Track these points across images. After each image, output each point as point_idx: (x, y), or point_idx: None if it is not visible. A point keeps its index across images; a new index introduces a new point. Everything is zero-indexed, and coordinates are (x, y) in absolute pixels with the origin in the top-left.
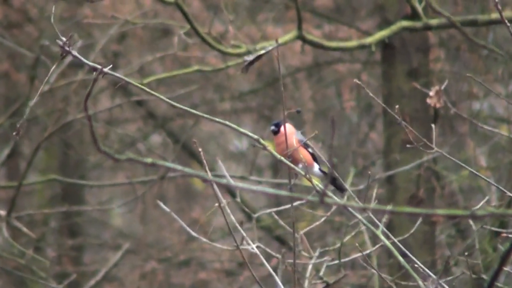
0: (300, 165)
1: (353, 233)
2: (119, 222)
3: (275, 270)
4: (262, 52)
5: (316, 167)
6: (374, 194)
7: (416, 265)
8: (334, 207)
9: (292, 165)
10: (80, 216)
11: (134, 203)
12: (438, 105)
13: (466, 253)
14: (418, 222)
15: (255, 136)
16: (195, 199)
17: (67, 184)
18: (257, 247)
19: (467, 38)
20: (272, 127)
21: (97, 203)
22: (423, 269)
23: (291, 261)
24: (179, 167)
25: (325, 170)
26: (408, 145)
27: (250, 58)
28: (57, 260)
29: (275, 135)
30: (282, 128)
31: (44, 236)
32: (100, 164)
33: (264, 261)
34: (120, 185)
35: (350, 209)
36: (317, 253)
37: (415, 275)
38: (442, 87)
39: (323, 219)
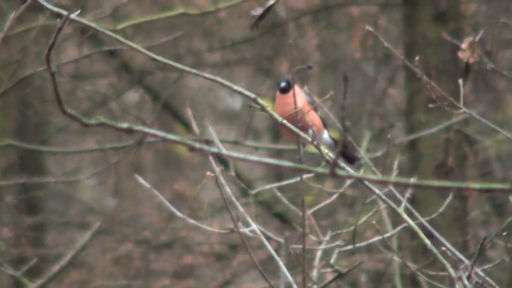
0: (310, 131)
1: (370, 214)
2: (87, 196)
3: (276, 254)
4: (272, 2)
5: (325, 133)
6: (395, 164)
7: (444, 248)
8: (348, 182)
9: (300, 132)
10: (41, 189)
11: (106, 174)
12: (471, 60)
13: (504, 233)
14: (449, 199)
15: (252, 95)
16: (178, 168)
17: (26, 150)
18: (253, 229)
19: None
20: (283, 84)
21: (61, 174)
22: (454, 253)
23: (296, 246)
24: (160, 133)
25: (335, 136)
26: (430, 105)
27: (257, 11)
28: (14, 241)
29: (282, 93)
30: (297, 90)
31: None
32: (65, 127)
33: (268, 245)
34: (89, 152)
35: (366, 183)
36: (327, 237)
37: (445, 261)
38: (477, 38)
39: (334, 196)
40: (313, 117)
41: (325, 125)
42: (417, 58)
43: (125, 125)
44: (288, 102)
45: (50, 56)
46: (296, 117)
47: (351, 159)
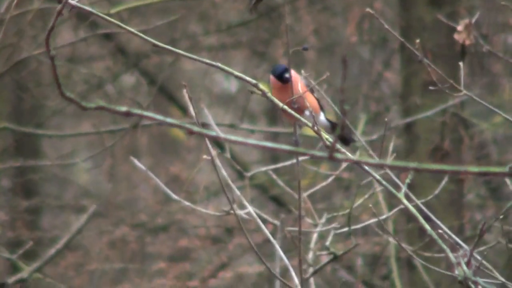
0: (307, 113)
1: (366, 196)
2: (83, 180)
3: (272, 237)
4: None
5: (322, 115)
6: (390, 147)
7: (441, 231)
8: (344, 165)
9: (297, 115)
10: (37, 173)
11: (101, 157)
12: (467, 42)
13: (500, 217)
14: (444, 181)
15: (253, 81)
16: (174, 151)
17: (21, 133)
18: (249, 212)
19: None
20: (287, 75)
21: (57, 157)
22: (451, 237)
23: (291, 228)
24: (159, 116)
25: (331, 118)
26: (431, 87)
27: None
28: (10, 224)
29: (283, 83)
30: (296, 79)
31: None
32: (60, 110)
33: (264, 228)
34: (85, 135)
35: (364, 166)
36: (323, 220)
37: (444, 246)
38: (473, 20)
39: (330, 178)
40: (310, 99)
41: (322, 107)
42: (417, 40)
43: (123, 108)
44: (287, 88)
45: (49, 40)
46: (293, 100)
47: (346, 140)
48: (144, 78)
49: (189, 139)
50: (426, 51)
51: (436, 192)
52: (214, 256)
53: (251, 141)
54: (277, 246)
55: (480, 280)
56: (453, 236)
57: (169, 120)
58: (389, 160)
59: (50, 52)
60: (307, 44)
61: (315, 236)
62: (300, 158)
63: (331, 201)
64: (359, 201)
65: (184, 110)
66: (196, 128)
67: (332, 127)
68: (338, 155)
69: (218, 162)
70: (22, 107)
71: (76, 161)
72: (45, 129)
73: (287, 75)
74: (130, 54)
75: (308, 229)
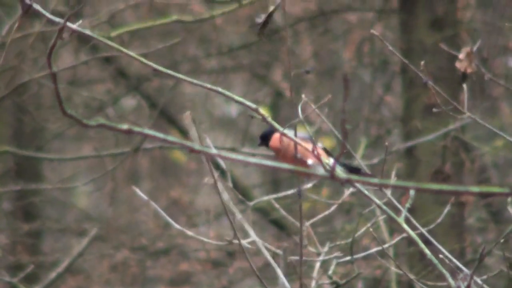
0: (309, 161)
1: (369, 225)
2: (84, 203)
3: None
4: (272, 8)
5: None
6: (393, 171)
7: (441, 256)
8: (347, 192)
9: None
10: (37, 196)
11: (102, 180)
12: (469, 70)
13: (500, 241)
14: (447, 208)
15: (253, 105)
16: (175, 175)
17: (22, 157)
18: (253, 241)
19: None
20: (261, 139)
21: (58, 181)
22: (452, 262)
23: (294, 257)
24: (160, 134)
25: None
26: (434, 109)
27: (261, 18)
28: (11, 248)
29: (267, 146)
30: (275, 135)
31: None
32: (61, 133)
33: (268, 256)
34: (86, 159)
35: (365, 191)
36: (326, 249)
37: (444, 271)
38: (474, 48)
39: (333, 207)
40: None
41: (330, 154)
42: (422, 62)
43: (125, 126)
44: (282, 146)
45: (51, 58)
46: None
47: (358, 171)
48: (145, 101)
49: (189, 162)
50: (428, 74)
51: (439, 220)
52: (215, 280)
53: (253, 160)
54: (282, 276)
55: None
56: (454, 260)
57: (170, 138)
58: (391, 180)
59: (52, 69)
60: (310, 67)
61: (317, 265)
62: (302, 186)
63: (332, 224)
64: (362, 230)
65: (184, 133)
66: (197, 147)
67: (350, 170)
68: (339, 175)
69: (220, 185)
70: (23, 130)
71: (77, 185)
72: (46, 153)
73: (261, 139)
74: (131, 77)
75: (311, 258)
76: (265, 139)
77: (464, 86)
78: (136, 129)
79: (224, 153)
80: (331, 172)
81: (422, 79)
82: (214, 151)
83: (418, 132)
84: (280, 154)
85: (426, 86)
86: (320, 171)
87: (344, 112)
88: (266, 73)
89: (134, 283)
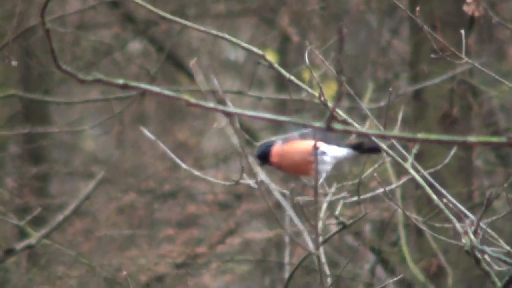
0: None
1: (376, 166)
2: (91, 146)
3: (279, 205)
4: None
5: (334, 148)
6: (399, 116)
7: (446, 200)
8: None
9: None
10: (45, 139)
11: (109, 123)
12: (476, 14)
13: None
14: (454, 150)
15: (260, 52)
16: (182, 118)
17: (30, 100)
18: (260, 181)
19: None
20: (261, 157)
21: (65, 124)
22: (457, 206)
23: (301, 197)
24: (156, 88)
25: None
26: (433, 55)
27: None
28: (18, 191)
29: (269, 164)
30: (273, 150)
31: (2, 163)
32: (68, 77)
33: (277, 194)
34: (93, 102)
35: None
36: (333, 189)
37: (451, 216)
38: None
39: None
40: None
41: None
42: (418, 8)
43: (120, 81)
44: (289, 154)
45: (44, 13)
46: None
47: (374, 150)
48: (152, 45)
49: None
50: (435, 19)
51: (445, 162)
52: (222, 222)
53: (251, 112)
54: (290, 211)
55: (487, 248)
56: (462, 208)
57: (166, 92)
58: (395, 129)
59: (46, 25)
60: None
61: (324, 206)
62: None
63: (339, 168)
64: (368, 171)
65: (191, 77)
66: (193, 100)
67: (356, 147)
68: (338, 126)
69: (227, 129)
70: (30, 74)
71: (84, 128)
72: (54, 96)
73: (260, 160)
74: (138, 21)
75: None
76: (264, 158)
77: (463, 32)
78: (132, 83)
79: (223, 107)
80: (328, 123)
81: (420, 24)
82: (210, 104)
83: (425, 75)
84: (284, 166)
85: (423, 31)
86: (327, 155)
87: (339, 63)
88: (274, 18)
89: (141, 226)
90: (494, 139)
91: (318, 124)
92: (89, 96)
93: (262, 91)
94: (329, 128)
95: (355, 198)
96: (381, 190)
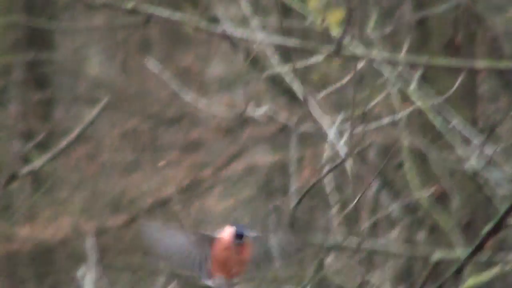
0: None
1: (382, 95)
2: (96, 72)
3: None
4: None
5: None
6: (405, 43)
7: (453, 126)
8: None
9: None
10: (49, 65)
11: (114, 49)
12: None
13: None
14: (460, 78)
15: None
16: (185, 44)
17: (34, 26)
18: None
19: None
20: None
21: (70, 49)
22: (463, 132)
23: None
24: (166, 12)
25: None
26: None
27: None
28: (22, 116)
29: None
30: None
31: (6, 88)
32: (73, 3)
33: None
34: (97, 29)
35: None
36: (340, 118)
37: (456, 142)
38: None
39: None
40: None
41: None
42: None
43: (129, 5)
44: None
45: None
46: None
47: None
48: None
49: (199, 32)
50: None
51: (451, 91)
52: (226, 147)
53: (259, 36)
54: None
55: (492, 169)
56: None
57: (176, 15)
58: (401, 55)
59: None
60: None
61: (331, 134)
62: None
63: (343, 94)
64: (374, 102)
65: (195, 3)
66: (202, 24)
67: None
68: (346, 52)
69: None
70: (34, 0)
71: (89, 54)
72: (58, 22)
73: (242, 239)
74: None
75: (323, 127)
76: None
77: None
78: (141, 7)
79: (230, 31)
80: (337, 49)
81: None
82: (216, 28)
83: (430, 2)
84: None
85: None
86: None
87: None
88: None
89: (145, 151)
90: (502, 62)
91: (326, 48)
92: (94, 23)
93: (266, 19)
94: (337, 54)
95: (360, 128)
96: (387, 118)
